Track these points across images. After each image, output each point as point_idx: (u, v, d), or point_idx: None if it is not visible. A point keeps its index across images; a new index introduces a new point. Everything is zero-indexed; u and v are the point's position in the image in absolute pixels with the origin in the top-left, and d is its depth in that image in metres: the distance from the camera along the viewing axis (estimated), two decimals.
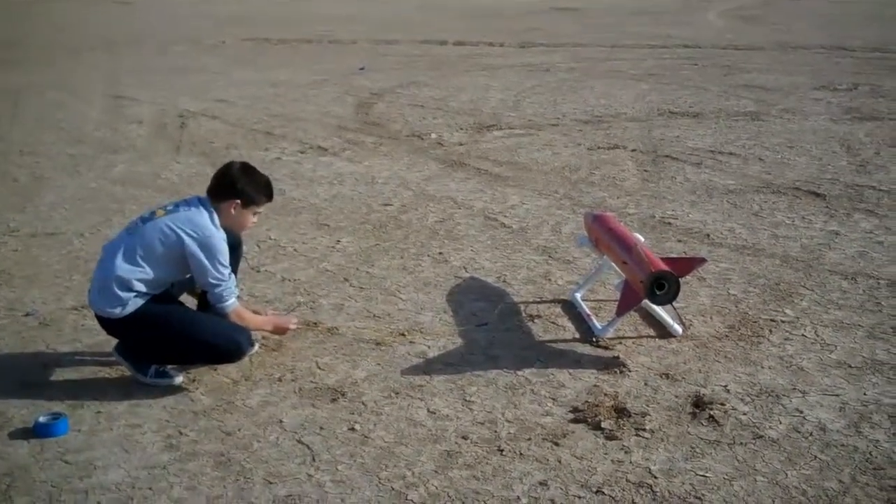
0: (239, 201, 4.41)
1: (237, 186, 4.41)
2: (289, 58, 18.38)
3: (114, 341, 4.53)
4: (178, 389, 4.40)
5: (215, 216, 4.36)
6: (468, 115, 11.75)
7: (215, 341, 4.32)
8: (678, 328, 4.98)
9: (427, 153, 9.66)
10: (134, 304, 4.29)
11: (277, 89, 14.23)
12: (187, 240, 4.24)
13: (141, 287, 4.29)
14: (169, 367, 4.48)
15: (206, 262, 4.26)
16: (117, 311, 4.28)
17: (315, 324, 5.18)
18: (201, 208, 4.37)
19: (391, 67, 16.65)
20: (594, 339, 4.93)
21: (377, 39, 21.35)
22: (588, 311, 5.24)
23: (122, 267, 4.25)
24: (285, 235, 6.86)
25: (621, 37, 21.57)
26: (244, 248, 5.07)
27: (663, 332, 5.00)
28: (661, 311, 5.06)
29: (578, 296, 5.46)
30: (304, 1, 34.52)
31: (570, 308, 5.39)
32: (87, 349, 4.87)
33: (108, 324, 4.41)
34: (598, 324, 5.05)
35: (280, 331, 4.76)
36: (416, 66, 16.77)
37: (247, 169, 4.51)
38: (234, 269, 4.60)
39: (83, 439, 3.98)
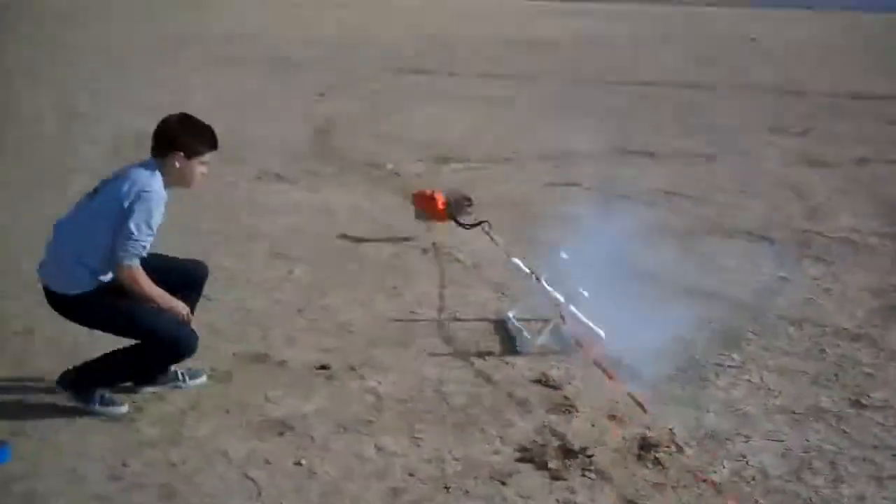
0: (181, 153, 4.32)
1: (176, 137, 4.32)
2: (246, 80, 18.25)
3: (57, 371, 4.45)
4: (123, 418, 4.36)
5: (158, 176, 4.26)
6: (427, 147, 11.80)
7: (167, 330, 4.28)
8: (601, 332, 5.23)
9: (384, 184, 9.68)
10: (89, 283, 4.23)
11: (235, 113, 14.16)
12: (124, 189, 4.15)
13: (93, 263, 4.21)
14: (115, 395, 4.42)
15: (134, 212, 4.12)
16: (70, 290, 4.24)
17: (265, 356, 5.16)
18: (146, 169, 4.28)
19: (350, 95, 16.66)
20: (518, 350, 5.29)
21: (337, 66, 21.31)
22: (519, 326, 5.48)
23: (75, 241, 4.21)
24: (239, 264, 6.81)
25: (583, 73, 21.80)
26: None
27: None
28: (584, 318, 5.29)
29: (511, 314, 5.71)
30: (260, 21, 34.30)
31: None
32: (31, 376, 4.78)
33: (57, 300, 4.33)
34: (527, 335, 5.32)
35: (170, 310, 4.38)
36: (375, 95, 16.81)
37: (184, 118, 4.42)
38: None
39: (26, 468, 3.91)
